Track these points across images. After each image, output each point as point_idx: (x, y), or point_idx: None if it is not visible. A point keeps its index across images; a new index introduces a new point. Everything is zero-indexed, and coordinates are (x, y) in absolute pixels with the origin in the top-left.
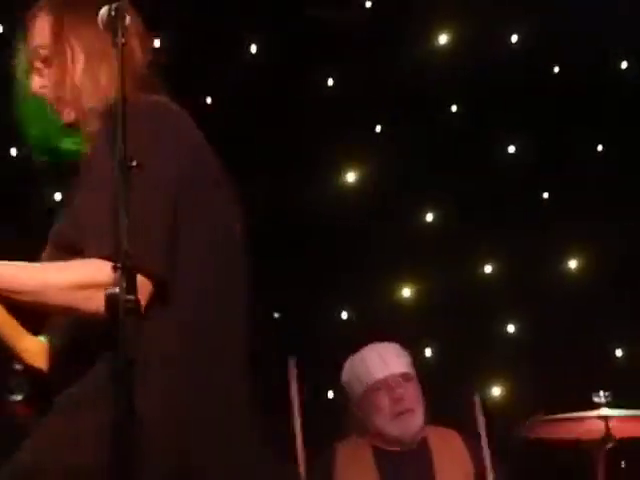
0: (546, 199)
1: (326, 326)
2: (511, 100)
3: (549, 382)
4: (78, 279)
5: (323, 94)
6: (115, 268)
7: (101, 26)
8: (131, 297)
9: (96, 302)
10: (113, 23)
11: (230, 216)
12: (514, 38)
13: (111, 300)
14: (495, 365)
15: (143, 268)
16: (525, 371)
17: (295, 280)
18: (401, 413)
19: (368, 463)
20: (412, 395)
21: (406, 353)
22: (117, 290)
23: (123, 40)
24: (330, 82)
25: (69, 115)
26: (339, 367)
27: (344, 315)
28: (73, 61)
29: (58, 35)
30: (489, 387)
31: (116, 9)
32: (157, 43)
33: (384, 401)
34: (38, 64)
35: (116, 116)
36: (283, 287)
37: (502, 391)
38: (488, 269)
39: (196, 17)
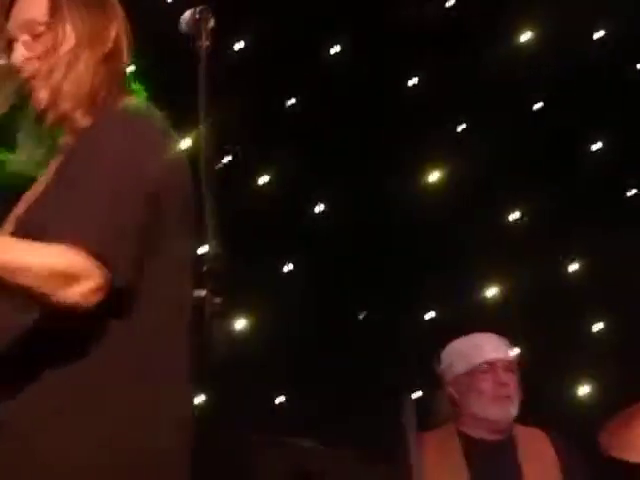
0: (632, 196)
1: (411, 326)
2: (596, 99)
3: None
4: (60, 266)
5: (406, 94)
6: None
7: (184, 27)
8: (217, 300)
9: (74, 293)
10: (197, 26)
11: (190, 250)
12: (598, 35)
13: (197, 302)
14: (582, 365)
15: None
16: (613, 370)
17: (380, 280)
18: (504, 397)
19: (457, 455)
20: (514, 384)
21: (510, 344)
22: (203, 293)
23: (207, 43)
24: (413, 82)
25: (42, 98)
26: (424, 367)
27: (428, 315)
28: (62, 41)
29: (56, 13)
30: (576, 387)
31: (200, 12)
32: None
33: (488, 383)
34: (26, 37)
35: (201, 114)
36: (368, 287)
37: (590, 390)
38: (574, 267)
39: (278, 20)
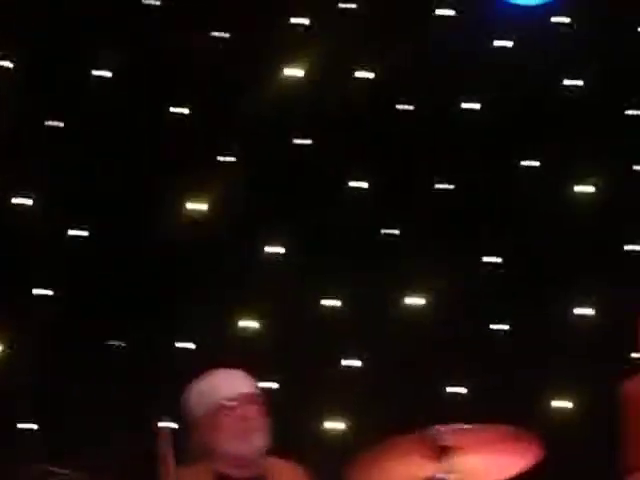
0: (390, 235)
1: (168, 357)
2: (359, 137)
3: (390, 417)
4: None
5: (167, 124)
6: None
7: None
8: None
9: None
10: None
11: None
12: (361, 74)
13: None
14: (337, 400)
15: None
16: (368, 405)
17: (137, 309)
18: (248, 431)
19: None
20: (259, 416)
21: (250, 378)
22: None
23: None
24: (180, 110)
25: None
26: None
27: (186, 345)
28: None
29: None
30: (329, 421)
31: None
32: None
33: (230, 420)
34: None
35: None
36: (124, 316)
37: (346, 425)
38: (332, 303)
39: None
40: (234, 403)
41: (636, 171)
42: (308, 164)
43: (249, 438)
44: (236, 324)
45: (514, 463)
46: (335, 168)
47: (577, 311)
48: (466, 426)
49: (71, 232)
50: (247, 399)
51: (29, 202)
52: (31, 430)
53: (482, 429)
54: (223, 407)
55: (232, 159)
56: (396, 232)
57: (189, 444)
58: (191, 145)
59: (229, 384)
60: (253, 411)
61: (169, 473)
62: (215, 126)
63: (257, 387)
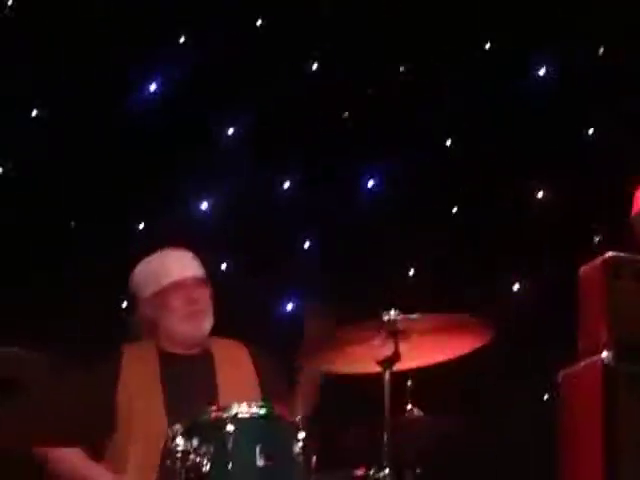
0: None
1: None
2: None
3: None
4: None
5: None
6: None
7: None
8: None
9: None
10: None
11: None
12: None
13: None
14: (289, 279)
15: None
16: (323, 288)
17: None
18: (194, 314)
19: (153, 365)
20: (205, 298)
21: (198, 260)
22: None
23: None
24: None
25: None
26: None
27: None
28: None
29: None
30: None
31: None
32: None
33: (178, 301)
34: None
35: None
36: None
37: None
38: (286, 184)
39: None
40: (184, 285)
41: None
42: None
43: (195, 320)
44: (191, 204)
45: (465, 345)
46: None
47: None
48: (419, 313)
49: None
50: (194, 282)
51: None
52: None
53: (436, 315)
54: (171, 288)
55: None
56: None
57: (135, 321)
58: None
59: (178, 266)
60: (200, 293)
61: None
62: None
63: (204, 270)
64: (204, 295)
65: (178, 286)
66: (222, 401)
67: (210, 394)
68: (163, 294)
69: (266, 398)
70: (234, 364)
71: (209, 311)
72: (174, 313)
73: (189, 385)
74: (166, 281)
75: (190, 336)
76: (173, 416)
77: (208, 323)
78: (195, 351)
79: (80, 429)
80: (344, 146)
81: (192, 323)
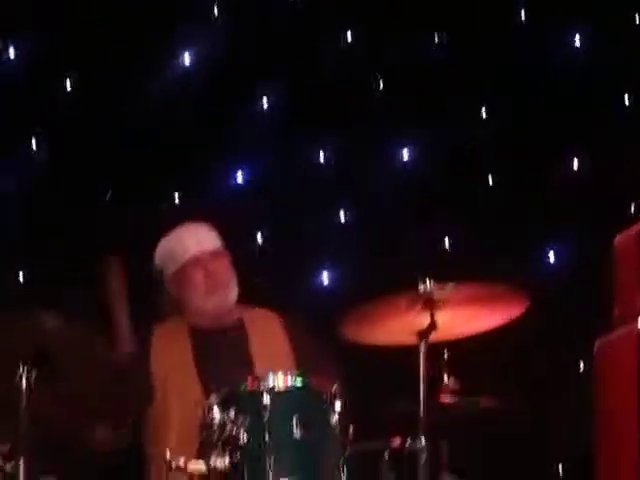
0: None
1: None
2: None
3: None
4: None
5: None
6: None
7: None
8: None
9: None
10: None
11: None
12: None
13: None
14: (325, 253)
15: None
16: (356, 257)
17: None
18: (215, 287)
19: (184, 341)
20: (225, 270)
21: (216, 232)
22: None
23: None
24: None
25: None
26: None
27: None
28: None
29: None
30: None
31: None
32: None
33: (199, 276)
34: None
35: None
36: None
37: (329, 279)
38: (322, 156)
39: None
40: (202, 259)
41: None
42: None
43: (218, 293)
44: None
45: (501, 315)
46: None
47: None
48: (454, 283)
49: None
50: (212, 255)
51: None
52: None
53: (471, 285)
54: (190, 265)
55: None
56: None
57: (162, 300)
58: None
59: (194, 241)
60: (219, 265)
61: (121, 301)
62: None
63: (222, 241)
64: (223, 266)
65: (196, 261)
66: (257, 372)
67: (244, 366)
68: (183, 271)
69: (302, 369)
70: (267, 335)
71: (231, 281)
72: (196, 289)
73: (223, 358)
74: (184, 258)
75: (215, 310)
76: (208, 389)
77: (232, 294)
78: (226, 323)
79: (117, 400)
80: (378, 116)
81: (215, 296)
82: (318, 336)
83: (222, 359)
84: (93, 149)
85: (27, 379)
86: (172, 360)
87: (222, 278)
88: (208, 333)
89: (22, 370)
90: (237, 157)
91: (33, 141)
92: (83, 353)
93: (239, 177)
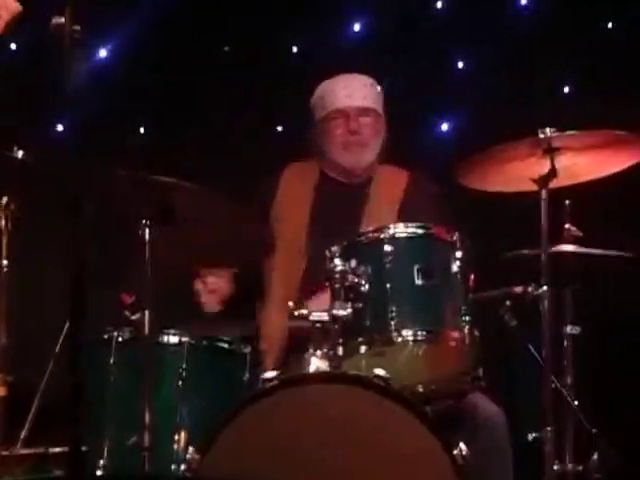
0: None
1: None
2: None
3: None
4: None
5: None
6: None
7: None
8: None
9: None
10: None
11: None
12: None
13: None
14: (446, 103)
15: None
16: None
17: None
18: (353, 144)
19: (309, 186)
20: (368, 130)
21: (377, 89)
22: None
23: None
24: None
25: None
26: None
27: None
28: None
29: None
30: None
31: None
32: None
33: (339, 130)
34: None
35: None
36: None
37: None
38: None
39: None
40: (346, 113)
41: None
42: None
43: (354, 150)
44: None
45: (621, 161)
46: None
47: None
48: (574, 130)
49: None
50: (359, 111)
51: None
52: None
53: (591, 132)
54: (333, 116)
55: None
56: None
57: (308, 141)
58: None
59: (344, 94)
60: (363, 124)
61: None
62: None
63: (379, 101)
64: (367, 126)
65: (340, 114)
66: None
67: (352, 225)
68: (327, 120)
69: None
70: (387, 196)
71: (372, 143)
72: (334, 141)
73: (336, 213)
74: (330, 108)
75: (348, 166)
76: (312, 240)
77: (369, 155)
78: (356, 180)
79: (236, 249)
80: None
81: (350, 153)
82: (442, 187)
83: (336, 214)
84: None
85: (150, 232)
86: (291, 202)
87: (363, 137)
88: (334, 186)
89: (145, 223)
90: (356, 4)
91: None
92: (203, 207)
93: (357, 25)
